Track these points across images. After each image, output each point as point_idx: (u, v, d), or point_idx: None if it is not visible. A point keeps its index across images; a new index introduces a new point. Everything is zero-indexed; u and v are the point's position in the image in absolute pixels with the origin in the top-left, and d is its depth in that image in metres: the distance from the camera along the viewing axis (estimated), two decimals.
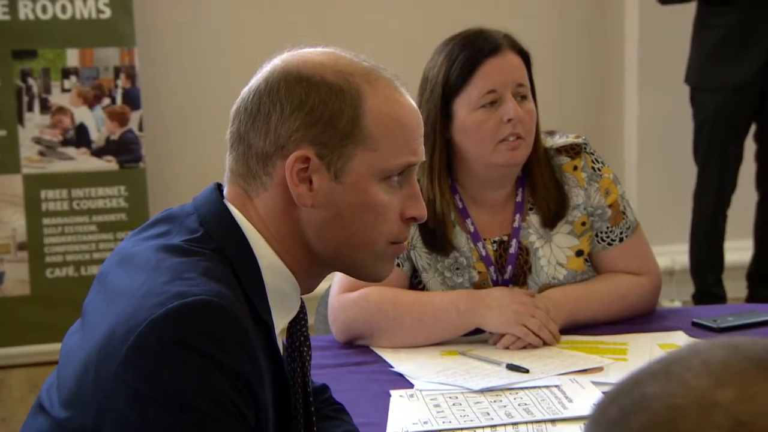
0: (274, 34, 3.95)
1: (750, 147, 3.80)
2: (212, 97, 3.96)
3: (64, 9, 3.79)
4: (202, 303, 1.03)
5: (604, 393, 0.65)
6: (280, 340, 1.20)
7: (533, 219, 1.96)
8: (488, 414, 1.54)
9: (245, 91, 1.19)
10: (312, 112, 1.14)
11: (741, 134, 3.72)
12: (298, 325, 1.24)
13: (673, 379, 0.59)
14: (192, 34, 4.05)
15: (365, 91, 1.16)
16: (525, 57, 1.93)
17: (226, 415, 1.02)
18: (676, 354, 0.62)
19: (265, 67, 1.19)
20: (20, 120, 3.79)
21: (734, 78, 3.60)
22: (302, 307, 1.23)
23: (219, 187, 1.21)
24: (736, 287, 3.96)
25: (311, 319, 1.42)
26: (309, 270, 1.20)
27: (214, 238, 1.14)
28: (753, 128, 3.76)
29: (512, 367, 1.71)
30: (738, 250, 3.98)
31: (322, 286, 1.40)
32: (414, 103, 1.21)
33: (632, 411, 0.59)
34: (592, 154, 1.99)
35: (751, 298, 3.85)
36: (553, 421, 1.51)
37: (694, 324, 1.95)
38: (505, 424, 1.50)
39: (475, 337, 1.88)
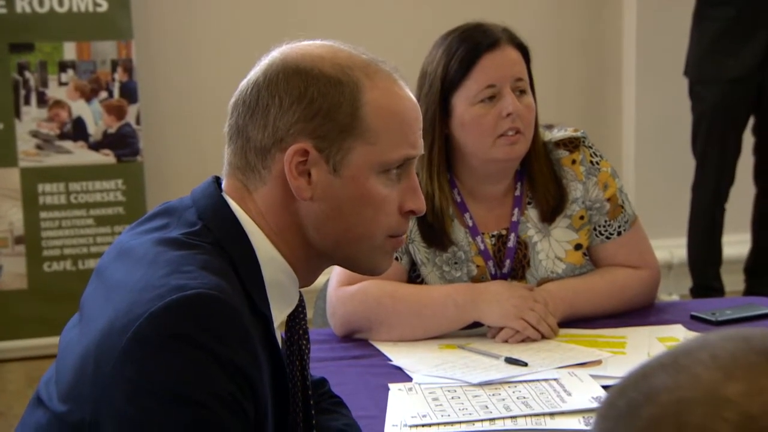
0: (272, 27, 3.94)
1: (748, 140, 3.80)
2: (210, 90, 3.95)
3: (61, 2, 3.78)
4: (200, 296, 1.03)
5: (611, 386, 0.64)
6: (279, 334, 1.20)
7: (532, 213, 1.96)
8: (487, 407, 1.54)
9: (243, 84, 1.19)
10: (311, 104, 1.14)
11: (739, 127, 3.72)
12: (296, 319, 1.24)
13: (682, 372, 0.59)
14: (189, 27, 4.04)
15: (364, 83, 1.15)
16: (524, 51, 1.92)
17: (225, 408, 1.02)
18: (685, 346, 0.62)
19: (264, 60, 1.19)
20: (17, 113, 3.78)
21: (733, 70, 3.60)
22: (301, 301, 1.23)
23: (217, 180, 1.21)
24: (734, 281, 3.97)
25: (309, 313, 1.42)
26: (308, 263, 1.20)
27: (212, 232, 1.14)
28: (751, 121, 3.76)
29: (511, 361, 1.71)
30: (736, 244, 3.98)
31: (321, 279, 1.40)
32: (413, 96, 1.21)
33: (640, 404, 0.59)
34: (591, 147, 1.99)
35: (749, 291, 3.85)
36: (551, 414, 1.51)
37: (693, 317, 1.95)
38: (503, 418, 1.50)
39: (474, 330, 1.88)
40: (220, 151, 1.22)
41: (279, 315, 1.19)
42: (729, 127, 3.69)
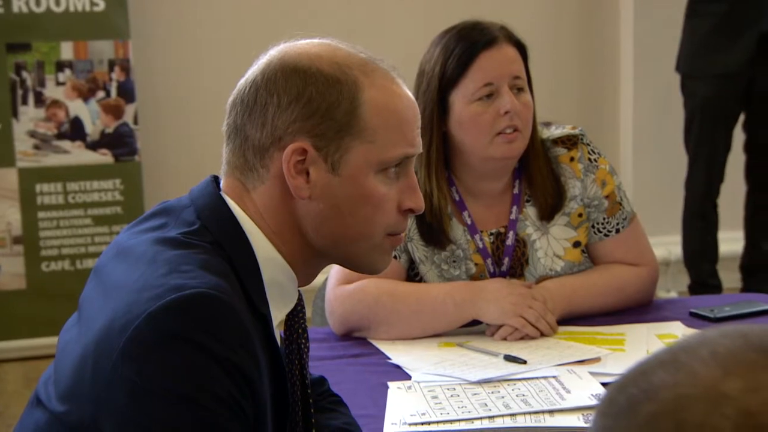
0: (269, 26, 3.94)
1: (740, 137, 3.81)
2: (208, 89, 3.95)
3: (57, 2, 3.78)
4: (199, 295, 1.03)
5: (611, 383, 0.64)
6: (278, 333, 1.20)
7: (530, 211, 1.96)
8: (486, 405, 1.54)
9: (241, 82, 1.19)
10: (309, 103, 1.14)
11: (730, 122, 3.73)
12: (295, 318, 1.24)
13: (682, 369, 0.59)
14: (186, 26, 4.04)
15: (362, 82, 1.15)
16: (521, 49, 1.92)
17: (224, 407, 1.02)
18: (684, 343, 0.62)
19: (262, 59, 1.19)
20: (15, 113, 3.78)
21: (724, 65, 3.62)
22: (300, 300, 1.23)
23: (215, 180, 1.21)
24: (732, 278, 3.97)
25: (308, 312, 1.42)
26: (306, 262, 1.20)
27: (210, 231, 1.14)
28: (742, 118, 3.77)
29: (510, 359, 1.71)
30: (733, 241, 3.99)
31: (319, 278, 1.40)
32: (411, 95, 1.21)
33: (640, 400, 0.59)
34: (589, 144, 1.99)
35: (746, 288, 3.86)
36: (551, 411, 1.51)
37: (692, 314, 1.95)
38: (503, 415, 1.50)
39: (473, 328, 1.88)
40: (218, 151, 1.22)
41: (278, 314, 1.19)
42: (719, 122, 3.71)
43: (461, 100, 1.88)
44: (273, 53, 1.18)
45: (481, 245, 1.95)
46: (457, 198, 1.95)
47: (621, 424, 0.59)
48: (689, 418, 0.56)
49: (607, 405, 0.62)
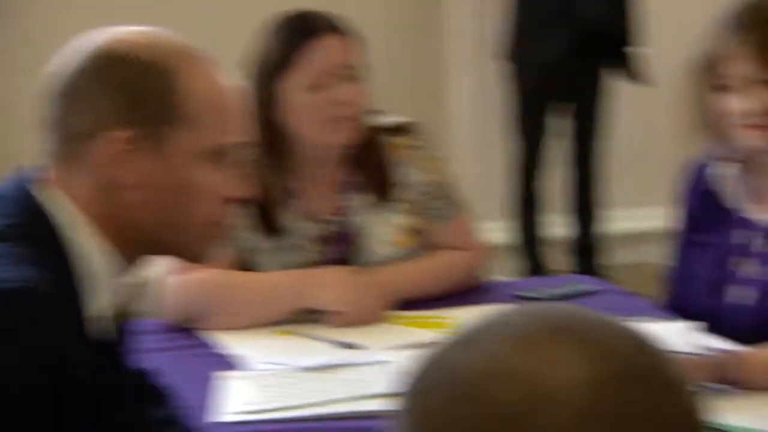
0: (82, 13, 3.82)
1: (563, 125, 3.96)
2: (22, 79, 3.79)
3: None
4: (15, 290, 1.01)
5: (412, 365, 0.66)
6: (103, 325, 1.17)
7: (362, 198, 1.98)
8: (320, 392, 1.54)
9: (57, 71, 1.15)
10: (129, 91, 1.12)
11: (552, 110, 3.86)
12: (121, 310, 1.21)
13: (475, 348, 0.62)
14: None
15: (183, 70, 1.14)
16: (354, 39, 1.94)
17: (40, 403, 1.00)
18: (479, 322, 0.65)
19: (78, 46, 1.15)
20: None
21: (547, 53, 3.72)
22: (126, 291, 1.21)
23: (29, 171, 1.17)
24: (563, 261, 4.11)
25: (136, 303, 1.39)
26: (132, 251, 1.18)
27: (23, 224, 1.10)
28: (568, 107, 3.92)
29: (344, 345, 1.73)
30: (562, 225, 4.13)
31: (150, 268, 1.37)
32: (233, 83, 1.21)
33: (437, 380, 0.61)
34: (419, 133, 2.02)
35: (577, 271, 4.00)
36: (382, 395, 1.53)
37: (518, 296, 2.02)
38: (336, 401, 1.51)
39: (308, 315, 1.88)
40: (36, 140, 1.18)
41: (102, 305, 1.16)
42: (542, 110, 3.84)
43: (291, 88, 1.87)
44: (90, 40, 1.15)
45: (314, 233, 1.96)
46: (289, 186, 1.96)
47: (418, 404, 0.61)
48: (481, 395, 0.59)
49: (407, 385, 0.64)
